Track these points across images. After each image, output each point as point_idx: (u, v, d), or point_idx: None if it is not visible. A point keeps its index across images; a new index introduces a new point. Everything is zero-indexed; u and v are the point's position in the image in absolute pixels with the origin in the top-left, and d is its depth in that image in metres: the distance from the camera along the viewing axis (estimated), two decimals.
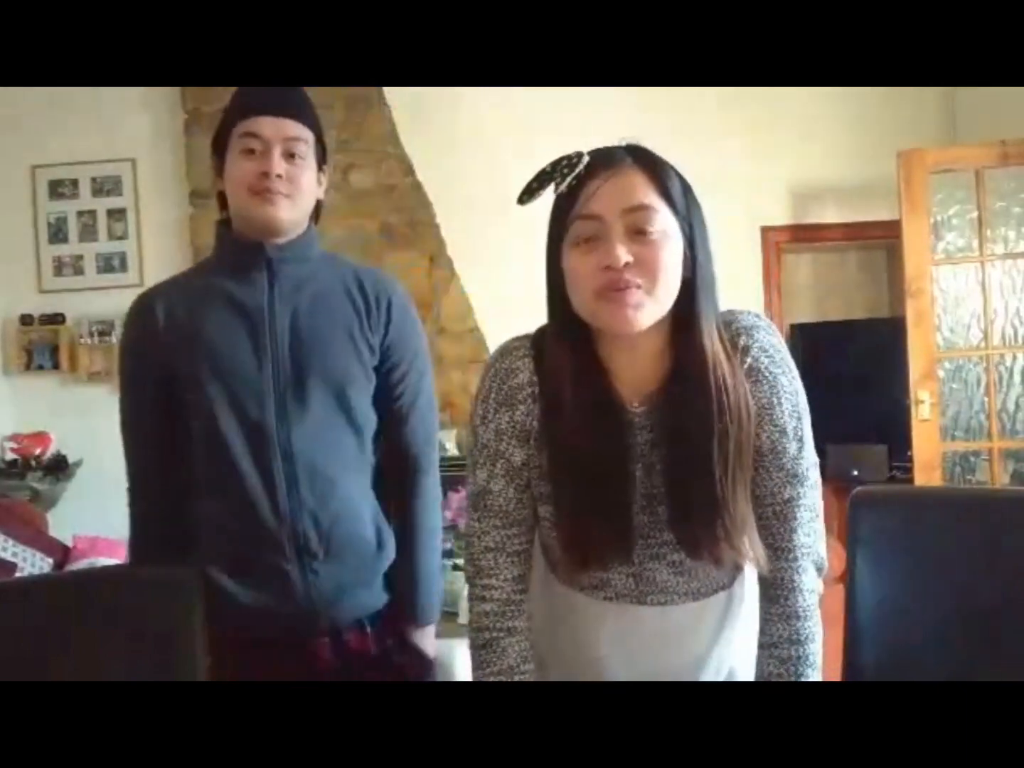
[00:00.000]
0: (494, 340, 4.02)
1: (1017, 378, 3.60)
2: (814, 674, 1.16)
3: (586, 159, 1.10)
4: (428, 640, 1.55)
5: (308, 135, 1.46)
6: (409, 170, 4.02)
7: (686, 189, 1.12)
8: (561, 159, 1.12)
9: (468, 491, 1.23)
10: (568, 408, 1.12)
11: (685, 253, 1.10)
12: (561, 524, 1.15)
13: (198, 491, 1.43)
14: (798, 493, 1.15)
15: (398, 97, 3.99)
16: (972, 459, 3.67)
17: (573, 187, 1.09)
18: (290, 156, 1.42)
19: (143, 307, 1.46)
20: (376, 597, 1.49)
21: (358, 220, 4.05)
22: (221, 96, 4.41)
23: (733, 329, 1.13)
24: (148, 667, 1.28)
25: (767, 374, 1.12)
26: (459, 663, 2.61)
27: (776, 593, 1.16)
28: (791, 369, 1.15)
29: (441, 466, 4.16)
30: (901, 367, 3.58)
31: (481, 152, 4.01)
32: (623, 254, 1.04)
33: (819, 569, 1.20)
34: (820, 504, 1.20)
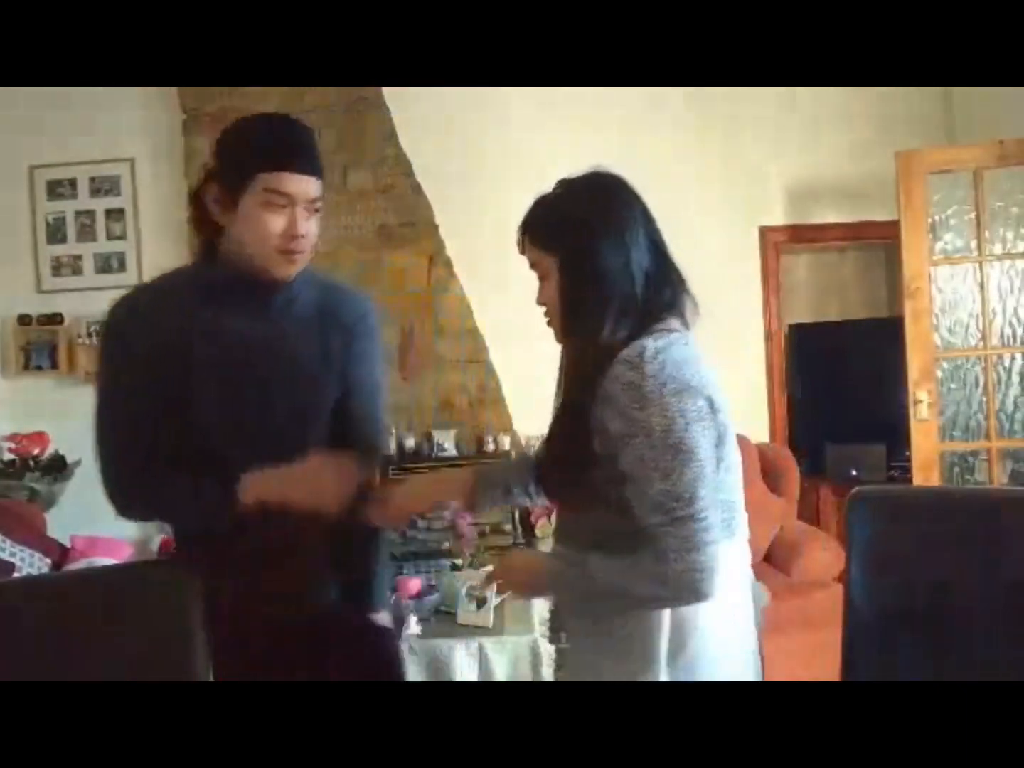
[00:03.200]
0: (493, 340, 4.02)
1: (1015, 378, 3.60)
2: (605, 604, 1.26)
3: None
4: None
5: (321, 189, 1.46)
6: (408, 170, 4.02)
7: (569, 223, 1.30)
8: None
9: None
10: None
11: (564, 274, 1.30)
12: None
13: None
14: (662, 521, 1.19)
15: (398, 97, 3.99)
16: (970, 459, 3.67)
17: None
18: (311, 213, 1.44)
19: (123, 320, 1.46)
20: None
21: (357, 220, 4.05)
22: (220, 96, 4.42)
23: (616, 356, 1.24)
24: (148, 667, 1.28)
25: (622, 406, 1.21)
26: (459, 663, 2.61)
27: (633, 564, 1.22)
28: (649, 405, 1.20)
29: (440, 466, 4.15)
30: (899, 367, 3.58)
31: (480, 153, 4.01)
32: (538, 295, 1.36)
33: (680, 599, 1.22)
34: (721, 541, 1.21)
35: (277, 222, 1.40)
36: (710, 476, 1.21)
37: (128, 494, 1.49)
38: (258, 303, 1.49)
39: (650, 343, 1.23)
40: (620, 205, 1.30)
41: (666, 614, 1.26)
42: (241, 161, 1.41)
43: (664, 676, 1.26)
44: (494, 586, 2.75)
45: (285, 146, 1.42)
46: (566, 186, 1.33)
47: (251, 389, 1.47)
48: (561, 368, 1.39)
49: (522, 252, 1.38)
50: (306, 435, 1.52)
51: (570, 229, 1.29)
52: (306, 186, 1.41)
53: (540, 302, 1.35)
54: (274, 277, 1.45)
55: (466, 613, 2.78)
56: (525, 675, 2.63)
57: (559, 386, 1.39)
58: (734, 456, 1.30)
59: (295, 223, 1.40)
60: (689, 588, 1.18)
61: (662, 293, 1.30)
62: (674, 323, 1.30)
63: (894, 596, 1.45)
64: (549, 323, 1.36)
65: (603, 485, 1.26)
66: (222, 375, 1.45)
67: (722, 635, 1.28)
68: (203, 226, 1.48)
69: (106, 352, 1.48)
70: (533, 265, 1.35)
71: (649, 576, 1.19)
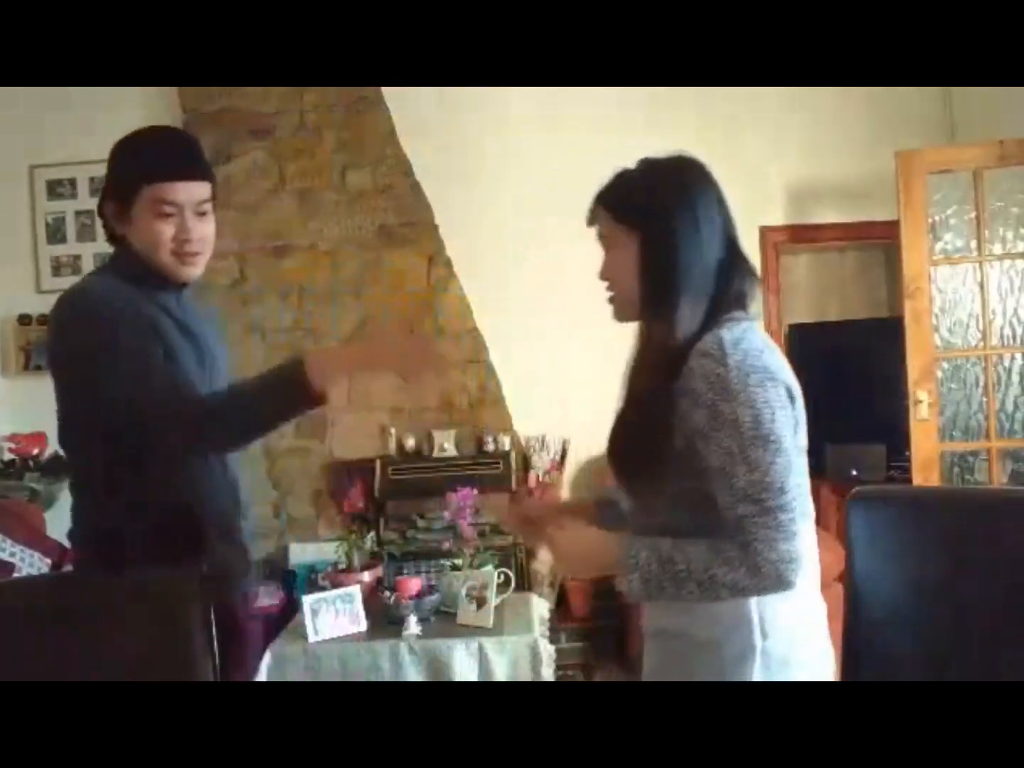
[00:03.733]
0: (493, 340, 4.02)
1: (1015, 378, 3.60)
2: (682, 594, 1.20)
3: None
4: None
5: (210, 190, 1.55)
6: (408, 170, 4.02)
7: (650, 202, 1.30)
8: None
9: None
10: None
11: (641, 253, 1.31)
12: None
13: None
14: (751, 512, 1.18)
15: (398, 97, 3.99)
16: (970, 459, 3.67)
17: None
18: (200, 215, 1.52)
19: (101, 316, 1.45)
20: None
21: (356, 220, 4.05)
22: (220, 96, 4.42)
23: (694, 348, 1.24)
24: (148, 667, 1.28)
25: (705, 399, 1.21)
26: (459, 663, 2.61)
27: (718, 549, 1.19)
28: (735, 397, 1.20)
29: (440, 466, 4.15)
30: (899, 367, 3.59)
31: (480, 153, 4.01)
32: (601, 269, 1.37)
33: (765, 588, 1.19)
34: (800, 528, 1.21)
35: (167, 229, 1.49)
36: (795, 464, 1.22)
37: (213, 416, 1.45)
38: (177, 297, 1.58)
39: (726, 334, 1.23)
40: (701, 190, 1.32)
41: (752, 601, 1.24)
42: (126, 176, 1.50)
43: (759, 662, 1.23)
44: (494, 586, 2.78)
45: (165, 157, 1.51)
46: (650, 164, 1.35)
47: (192, 370, 1.54)
48: (634, 361, 1.40)
49: (591, 224, 1.37)
50: None
51: (652, 206, 1.30)
52: (192, 191, 1.50)
53: (604, 277, 1.36)
54: (178, 280, 1.55)
55: (466, 613, 2.78)
56: (525, 675, 2.63)
57: (629, 378, 1.40)
58: (805, 439, 1.32)
59: (184, 228, 1.49)
60: (778, 577, 1.17)
61: (732, 283, 1.31)
62: (740, 313, 1.30)
63: (893, 595, 1.45)
64: (611, 299, 1.37)
65: (681, 477, 1.25)
66: (175, 354, 1.51)
67: (807, 617, 1.29)
68: (111, 236, 1.57)
69: (101, 332, 1.44)
70: (602, 237, 1.36)
71: (737, 563, 1.17)
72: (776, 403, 1.21)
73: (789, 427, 1.23)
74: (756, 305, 1.34)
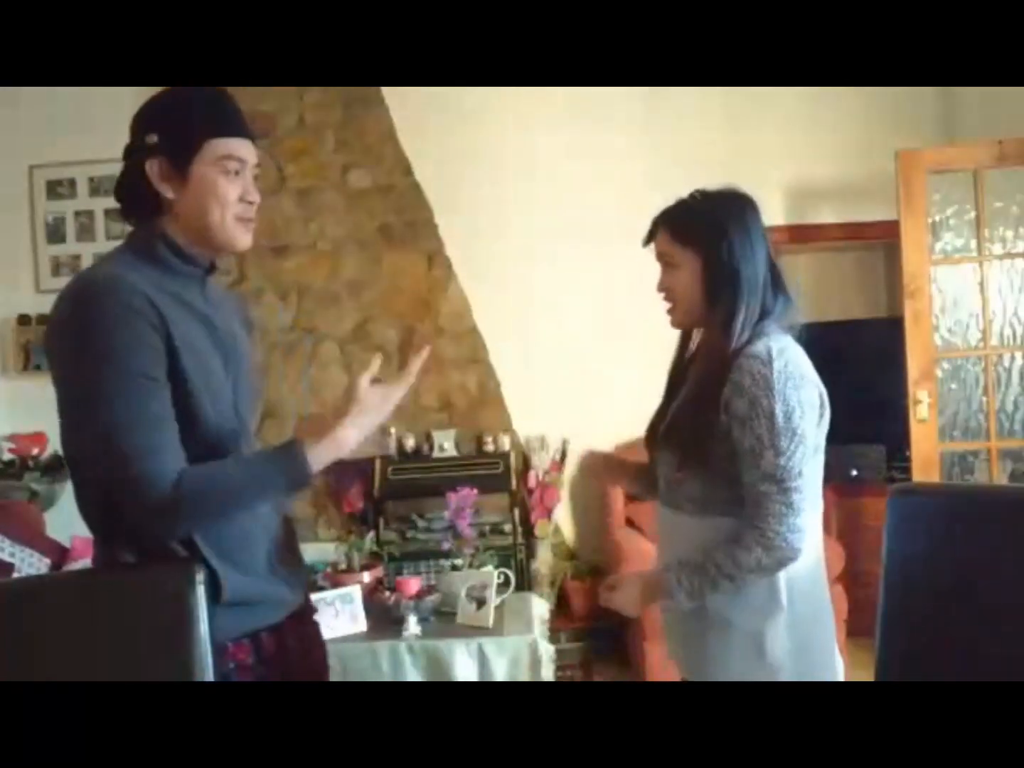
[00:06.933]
0: (492, 340, 4.02)
1: (1015, 378, 3.60)
2: (719, 590, 1.45)
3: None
4: None
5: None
6: (407, 170, 4.02)
7: (711, 226, 1.51)
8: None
9: None
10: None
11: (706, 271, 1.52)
12: None
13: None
14: (773, 490, 1.42)
15: (397, 97, 3.99)
16: (970, 459, 3.67)
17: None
18: (255, 179, 1.42)
19: (129, 296, 1.26)
20: None
21: (356, 220, 4.05)
22: None
23: (744, 351, 1.47)
24: (148, 667, 1.28)
25: (749, 392, 1.43)
26: (459, 663, 2.61)
27: (736, 539, 1.45)
28: (773, 394, 1.43)
29: (440, 466, 4.15)
30: (899, 367, 3.59)
31: (479, 152, 4.01)
32: (659, 283, 1.59)
33: (781, 561, 1.43)
34: (810, 510, 1.45)
35: (233, 189, 1.37)
36: (810, 455, 1.45)
37: (180, 501, 1.27)
38: (202, 285, 1.43)
39: (773, 343, 1.46)
40: (753, 216, 1.54)
41: (780, 576, 1.46)
42: (187, 129, 1.37)
43: (784, 625, 1.46)
44: (494, 586, 2.78)
45: (228, 111, 1.40)
46: (705, 194, 1.55)
47: (220, 375, 1.39)
48: (679, 360, 1.67)
49: (647, 243, 1.59)
50: (249, 429, 1.48)
51: (714, 229, 1.50)
52: (251, 150, 1.39)
53: (661, 289, 1.58)
54: (235, 249, 1.41)
55: (466, 613, 2.78)
56: (525, 675, 2.63)
57: (674, 372, 1.67)
58: (823, 438, 1.53)
59: (249, 189, 1.38)
60: (787, 546, 1.41)
61: (777, 299, 1.54)
62: (778, 328, 1.52)
63: (931, 591, 1.43)
64: (670, 310, 1.59)
65: (720, 456, 1.46)
66: (202, 360, 1.35)
67: (821, 587, 1.54)
68: (143, 207, 1.39)
69: (112, 331, 1.24)
70: (661, 255, 1.57)
71: (753, 544, 1.41)
72: (806, 404, 1.44)
73: (813, 425, 1.46)
74: (796, 320, 1.60)
